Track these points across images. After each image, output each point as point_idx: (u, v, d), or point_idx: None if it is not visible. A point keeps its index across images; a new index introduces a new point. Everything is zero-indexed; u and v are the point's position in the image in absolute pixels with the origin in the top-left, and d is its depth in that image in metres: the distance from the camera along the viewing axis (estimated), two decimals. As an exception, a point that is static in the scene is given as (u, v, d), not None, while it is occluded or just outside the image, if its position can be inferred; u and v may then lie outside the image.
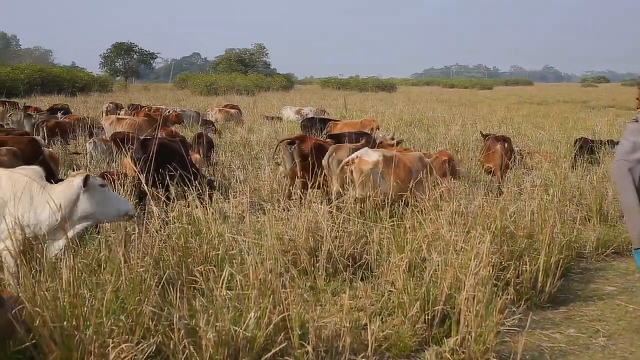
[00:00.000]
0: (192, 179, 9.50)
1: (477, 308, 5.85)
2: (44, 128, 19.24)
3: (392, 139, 14.29)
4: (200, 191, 8.86)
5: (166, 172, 9.78)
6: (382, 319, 6.43)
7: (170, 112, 25.96)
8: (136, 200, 9.87)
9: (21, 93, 56.92)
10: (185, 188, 9.27)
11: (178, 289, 5.60)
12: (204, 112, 29.35)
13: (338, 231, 8.13)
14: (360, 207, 9.07)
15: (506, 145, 13.23)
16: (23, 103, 33.70)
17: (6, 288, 6.04)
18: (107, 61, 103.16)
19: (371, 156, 9.93)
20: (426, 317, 6.24)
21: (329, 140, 13.61)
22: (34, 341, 4.99)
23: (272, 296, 5.59)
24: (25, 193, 6.77)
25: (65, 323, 5.06)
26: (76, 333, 5.01)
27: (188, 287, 6.11)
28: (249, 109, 34.52)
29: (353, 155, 10.04)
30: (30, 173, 7.02)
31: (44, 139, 16.24)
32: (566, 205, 9.72)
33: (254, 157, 16.30)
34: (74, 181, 6.78)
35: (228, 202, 9.54)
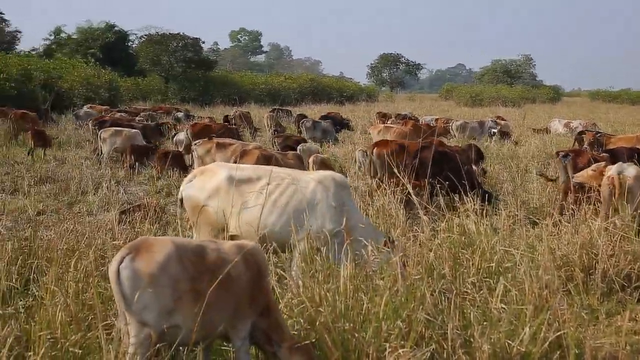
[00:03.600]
0: (469, 189, 9.50)
1: None
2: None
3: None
4: (474, 202, 8.82)
5: (443, 181, 9.85)
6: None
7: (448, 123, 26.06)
8: (405, 208, 10.03)
9: (293, 101, 59.98)
10: (456, 198, 9.27)
11: (453, 299, 5.62)
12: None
13: (614, 249, 7.76)
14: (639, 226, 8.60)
15: None
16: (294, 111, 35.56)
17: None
18: (374, 71, 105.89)
19: (630, 171, 9.36)
20: None
21: (603, 155, 13.03)
22: (313, 340, 5.22)
23: (548, 312, 5.45)
24: (329, 198, 7.29)
25: (345, 324, 5.24)
26: (355, 335, 5.18)
27: (461, 297, 6.11)
28: (515, 121, 33.88)
29: (612, 171, 9.50)
30: (339, 179, 7.57)
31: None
32: None
33: (523, 170, 15.96)
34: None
35: (497, 214, 9.43)
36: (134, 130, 19.73)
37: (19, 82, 38.74)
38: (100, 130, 19.38)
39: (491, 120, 25.60)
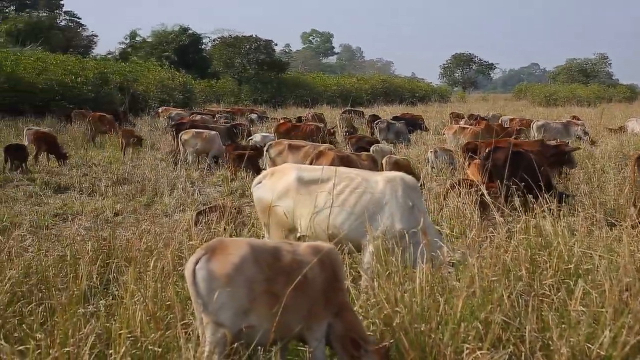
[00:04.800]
0: (545, 190, 9.37)
1: None
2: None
3: None
4: (549, 203, 8.68)
5: (519, 182, 9.74)
6: None
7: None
8: (480, 210, 9.94)
9: (365, 102, 60.02)
10: (533, 200, 9.13)
11: (530, 301, 5.56)
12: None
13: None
14: None
15: None
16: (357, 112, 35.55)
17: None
18: (446, 72, 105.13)
19: None
20: None
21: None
22: (392, 341, 5.22)
23: (629, 315, 5.34)
24: (398, 198, 7.29)
25: (422, 325, 5.24)
26: (432, 336, 5.17)
27: (538, 299, 6.03)
28: (591, 121, 33.20)
29: None
30: (408, 180, 7.59)
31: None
32: None
33: (600, 170, 15.63)
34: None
35: (574, 215, 9.28)
36: (213, 132, 20.03)
37: (95, 85, 39.75)
38: (181, 133, 19.70)
39: (581, 129, 24.86)
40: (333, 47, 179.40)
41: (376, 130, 25.65)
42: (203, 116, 29.53)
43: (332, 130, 23.98)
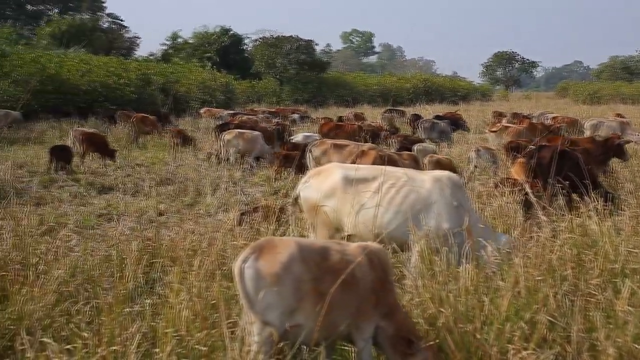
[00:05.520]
0: (591, 189, 9.27)
1: None
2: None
3: None
4: (596, 203, 8.58)
5: (563, 181, 9.66)
6: None
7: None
8: (524, 209, 9.86)
9: (405, 102, 59.86)
10: (579, 199, 9.04)
11: (577, 301, 5.51)
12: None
13: None
14: None
15: None
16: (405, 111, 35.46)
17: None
18: (488, 70, 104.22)
19: None
20: None
21: None
22: (437, 341, 5.21)
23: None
24: (445, 197, 7.30)
25: (467, 325, 5.22)
26: (477, 336, 5.15)
27: (584, 299, 5.97)
28: (636, 119, 32.73)
29: None
30: (454, 179, 7.61)
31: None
32: None
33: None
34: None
35: (619, 214, 9.15)
36: (255, 132, 20.15)
37: (138, 86, 40.28)
38: (223, 133, 19.83)
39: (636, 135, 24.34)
40: (374, 47, 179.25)
41: (420, 129, 25.59)
42: (250, 117, 29.69)
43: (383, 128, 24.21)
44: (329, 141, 15.05)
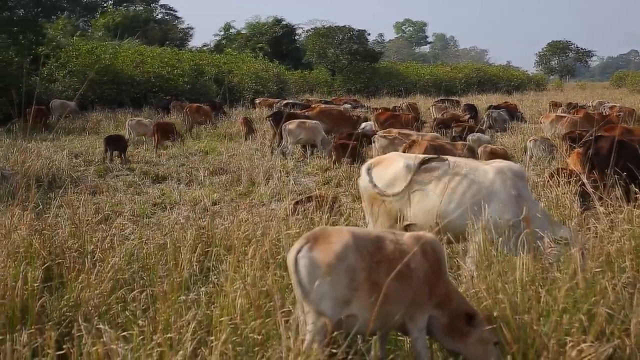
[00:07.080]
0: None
1: None
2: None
3: None
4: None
5: (621, 172, 9.48)
6: None
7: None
8: (580, 200, 9.72)
9: (458, 91, 59.44)
10: (638, 190, 8.85)
11: (636, 293, 5.40)
12: None
13: None
14: None
15: None
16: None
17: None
18: (542, 60, 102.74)
19: None
20: None
21: None
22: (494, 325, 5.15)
23: None
24: (508, 188, 7.24)
25: (524, 317, 5.15)
26: (534, 327, 5.08)
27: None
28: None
29: None
30: (516, 169, 7.56)
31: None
32: None
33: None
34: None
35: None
36: (314, 121, 20.27)
37: (191, 76, 40.63)
38: (286, 123, 19.90)
39: None
40: (426, 37, 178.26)
41: (486, 119, 25.54)
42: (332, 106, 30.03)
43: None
44: (395, 131, 15.03)
